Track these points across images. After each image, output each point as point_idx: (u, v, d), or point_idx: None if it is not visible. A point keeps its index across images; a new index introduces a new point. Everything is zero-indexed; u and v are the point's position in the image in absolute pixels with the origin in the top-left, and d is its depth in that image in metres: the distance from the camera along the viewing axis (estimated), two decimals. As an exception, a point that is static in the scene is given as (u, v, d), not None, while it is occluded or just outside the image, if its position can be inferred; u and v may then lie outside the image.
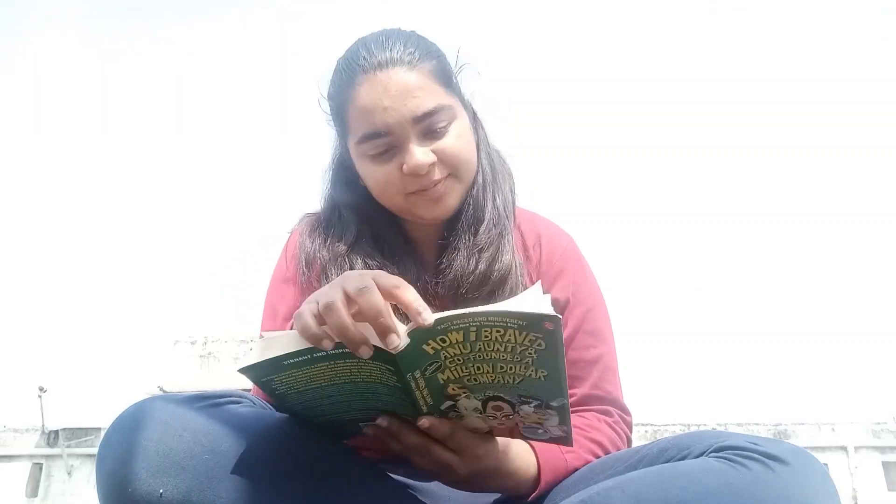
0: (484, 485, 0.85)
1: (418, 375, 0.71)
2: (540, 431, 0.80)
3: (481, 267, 0.99)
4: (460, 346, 0.69)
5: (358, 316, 0.69)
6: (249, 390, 0.92)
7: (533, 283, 0.97)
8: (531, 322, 0.66)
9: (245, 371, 0.71)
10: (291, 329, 0.72)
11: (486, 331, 0.68)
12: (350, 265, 1.00)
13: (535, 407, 0.75)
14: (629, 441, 1.01)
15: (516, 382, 0.72)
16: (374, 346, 0.68)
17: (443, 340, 0.69)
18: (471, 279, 0.98)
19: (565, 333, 1.01)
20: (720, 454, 0.69)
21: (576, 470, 0.89)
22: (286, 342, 0.70)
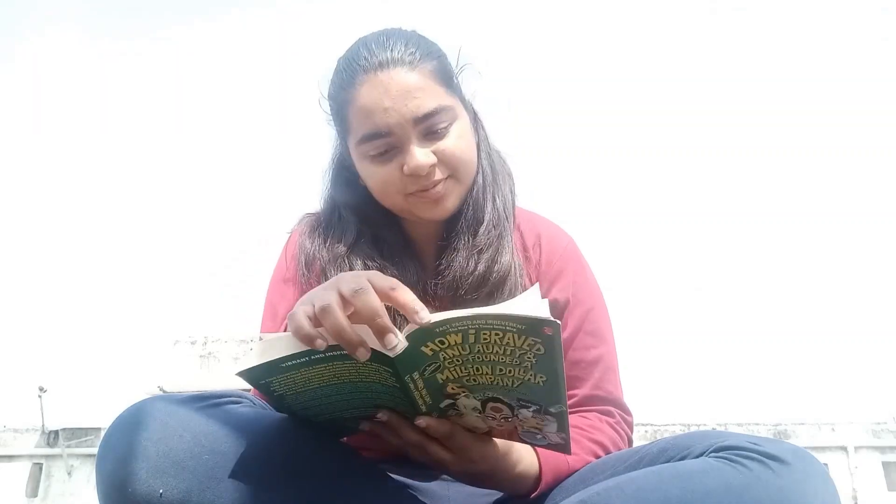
0: (483, 483, 0.86)
1: (416, 377, 0.71)
2: (539, 437, 0.80)
3: (480, 268, 0.99)
4: (459, 347, 0.69)
5: (354, 317, 0.69)
6: (249, 390, 0.92)
7: (532, 283, 0.97)
8: (530, 326, 0.66)
9: (242, 374, 0.71)
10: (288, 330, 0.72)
11: (484, 333, 0.68)
12: (350, 266, 1.00)
13: (533, 412, 0.75)
14: (630, 441, 1.01)
15: (515, 386, 0.72)
16: (372, 348, 0.68)
17: (441, 342, 0.69)
18: (470, 280, 0.98)
19: (566, 334, 1.01)
20: (720, 454, 0.69)
21: (577, 471, 0.89)
22: (284, 345, 0.70)
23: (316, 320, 0.69)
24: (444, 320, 0.67)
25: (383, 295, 0.70)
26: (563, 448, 0.81)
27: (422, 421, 0.76)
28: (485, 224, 1.01)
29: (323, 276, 1.01)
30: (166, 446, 0.70)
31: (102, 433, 0.77)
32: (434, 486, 0.94)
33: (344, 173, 1.07)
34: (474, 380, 0.72)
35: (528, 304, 0.73)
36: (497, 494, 0.91)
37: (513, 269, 1.00)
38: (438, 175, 0.96)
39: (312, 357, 0.69)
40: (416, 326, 0.68)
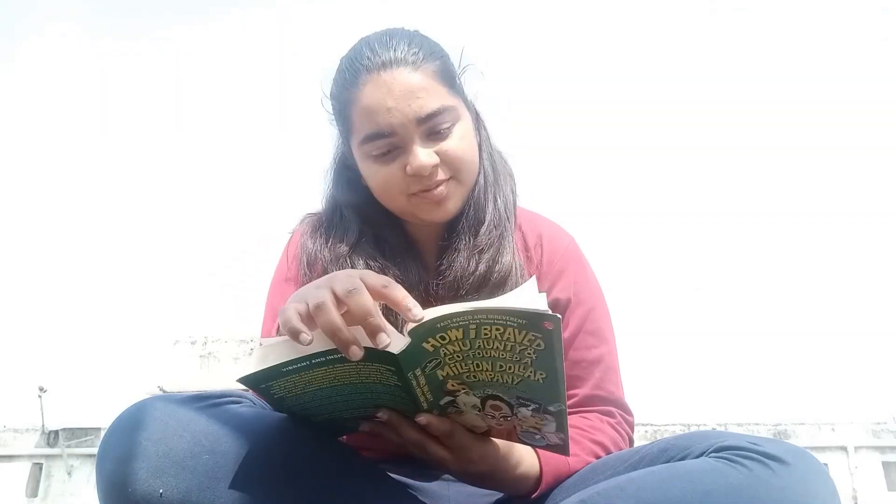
0: (483, 483, 0.86)
1: (419, 373, 0.71)
2: (538, 437, 0.80)
3: (481, 268, 0.98)
4: (459, 343, 0.69)
5: (347, 316, 0.69)
6: (249, 390, 0.92)
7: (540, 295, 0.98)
8: (531, 321, 0.66)
9: (242, 380, 0.71)
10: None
11: (485, 329, 0.68)
12: (352, 266, 1.00)
13: (532, 411, 0.75)
14: (631, 441, 1.01)
15: (515, 383, 0.72)
16: (375, 348, 0.68)
17: (442, 338, 0.69)
18: (471, 280, 0.98)
19: (566, 334, 1.01)
20: (720, 454, 0.69)
21: (577, 471, 0.89)
22: (283, 350, 0.70)
23: (309, 318, 0.69)
24: (446, 315, 0.67)
25: (376, 293, 0.71)
26: (562, 449, 0.81)
27: (422, 418, 0.76)
28: (486, 224, 1.01)
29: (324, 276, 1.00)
30: (166, 446, 0.70)
31: (102, 433, 0.77)
32: (434, 487, 0.94)
33: (346, 173, 1.07)
34: (474, 376, 0.72)
35: (526, 297, 0.73)
36: (497, 494, 0.91)
37: (514, 269, 1.00)
38: (441, 176, 0.96)
39: (313, 361, 0.69)
40: (416, 324, 0.68)
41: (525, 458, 0.85)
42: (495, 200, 1.03)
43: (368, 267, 0.99)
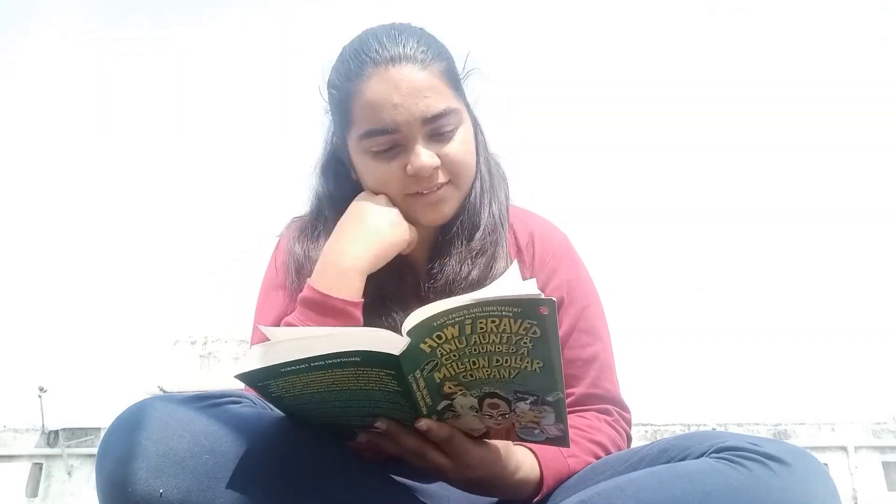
0: (483, 490, 0.85)
1: (419, 376, 0.71)
2: (537, 432, 0.80)
3: (474, 274, 0.98)
4: (455, 340, 0.69)
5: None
6: (247, 387, 0.92)
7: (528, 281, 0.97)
8: (526, 308, 0.66)
9: (241, 377, 0.71)
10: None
11: (481, 322, 0.68)
12: None
13: (531, 404, 0.75)
14: (629, 438, 1.01)
15: (512, 376, 0.72)
16: (376, 351, 0.68)
17: (439, 337, 0.69)
18: (462, 286, 0.97)
19: (561, 333, 1.00)
20: (721, 455, 0.69)
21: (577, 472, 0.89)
22: (283, 350, 0.70)
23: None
24: (441, 312, 0.67)
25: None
26: (562, 441, 0.81)
27: (422, 423, 0.76)
28: (481, 230, 1.01)
29: None
30: (166, 446, 0.70)
31: (102, 433, 0.77)
32: (434, 487, 0.94)
33: (335, 167, 1.05)
34: (471, 374, 0.72)
35: (512, 284, 0.73)
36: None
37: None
38: (440, 179, 0.95)
39: (312, 364, 0.69)
40: (414, 323, 0.68)
41: (525, 462, 0.85)
42: (490, 206, 1.03)
43: None
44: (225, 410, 0.77)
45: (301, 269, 1.02)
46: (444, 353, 0.70)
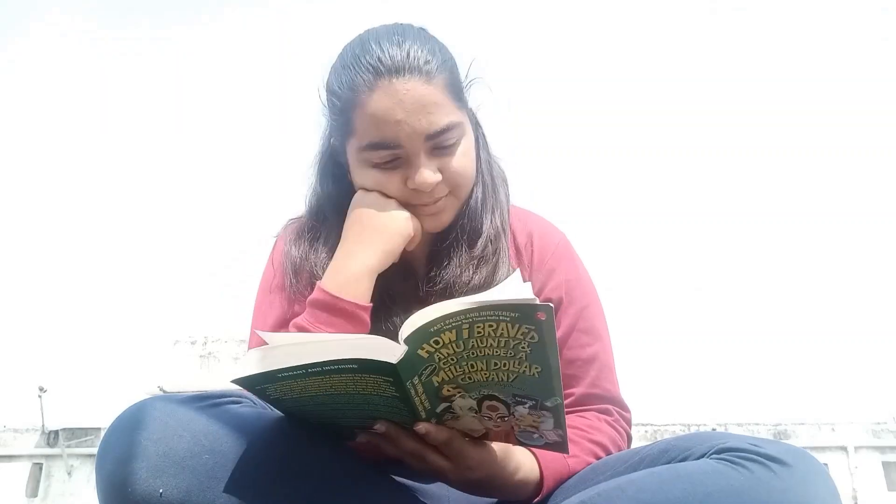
0: (483, 491, 0.85)
1: (416, 381, 0.71)
2: (535, 436, 0.80)
3: (476, 280, 0.98)
4: (453, 345, 0.69)
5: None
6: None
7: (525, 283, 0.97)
8: (523, 313, 0.66)
9: (238, 381, 0.71)
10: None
11: (478, 327, 0.67)
12: None
13: (529, 408, 0.75)
14: (629, 438, 1.01)
15: (510, 380, 0.72)
16: (373, 359, 0.68)
17: (436, 342, 0.68)
18: (463, 291, 0.97)
19: (560, 333, 1.01)
20: (721, 456, 0.69)
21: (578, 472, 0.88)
22: (280, 355, 0.70)
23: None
24: (438, 318, 0.67)
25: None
26: (561, 447, 0.80)
27: (421, 427, 0.75)
28: (483, 237, 1.00)
29: (310, 283, 0.99)
30: (166, 446, 0.70)
31: (102, 433, 0.77)
32: (434, 488, 0.94)
33: (333, 168, 1.04)
34: (469, 377, 0.72)
35: (512, 289, 0.73)
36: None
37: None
38: (440, 192, 0.95)
39: (310, 370, 0.69)
40: (412, 330, 0.68)
41: (524, 463, 0.85)
42: (492, 212, 1.02)
43: None
44: (225, 410, 0.77)
45: (299, 272, 1.02)
46: (442, 357, 0.70)
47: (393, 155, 0.93)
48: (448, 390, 0.73)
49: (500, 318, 0.67)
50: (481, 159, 1.04)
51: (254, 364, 0.70)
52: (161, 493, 0.69)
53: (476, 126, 1.05)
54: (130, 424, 0.72)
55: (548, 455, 0.86)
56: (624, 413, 1.02)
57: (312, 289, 0.95)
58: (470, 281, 0.98)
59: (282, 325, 1.01)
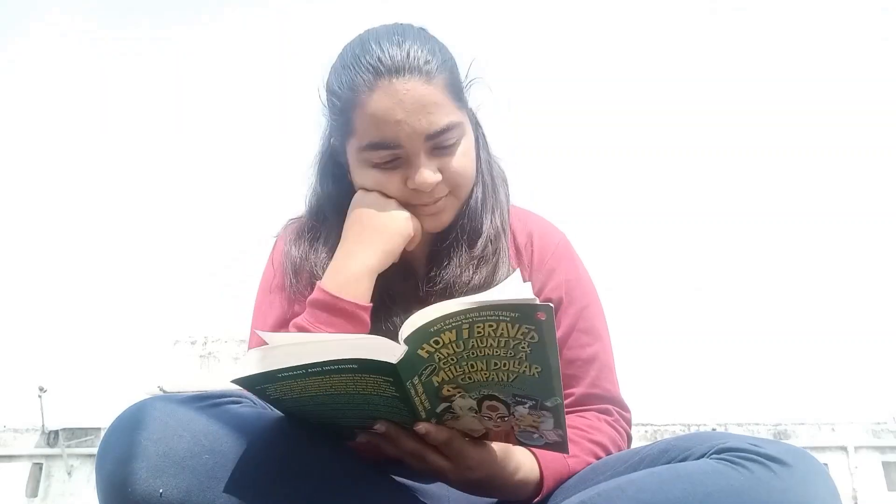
0: (483, 491, 0.85)
1: (416, 382, 0.71)
2: (535, 436, 0.80)
3: (476, 280, 0.98)
4: (453, 345, 0.69)
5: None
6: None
7: (525, 283, 0.97)
8: (524, 313, 0.66)
9: (238, 381, 0.71)
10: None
11: (478, 327, 0.67)
12: None
13: (529, 408, 0.75)
14: (630, 438, 1.01)
15: (510, 380, 0.72)
16: (373, 359, 0.68)
17: (436, 342, 0.68)
18: (463, 291, 0.97)
19: (560, 333, 1.01)
20: (721, 456, 0.69)
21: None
22: (280, 355, 0.70)
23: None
24: (438, 318, 0.67)
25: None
26: (561, 447, 0.80)
27: (421, 427, 0.75)
28: (483, 237, 1.00)
29: (310, 283, 0.99)
30: (166, 446, 0.70)
31: (102, 433, 0.77)
32: (434, 487, 0.94)
33: (333, 168, 1.04)
34: (469, 377, 0.72)
35: (512, 289, 0.73)
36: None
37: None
38: (440, 192, 0.95)
39: (309, 370, 0.69)
40: (411, 330, 0.68)
41: (524, 463, 0.85)
42: (492, 212, 1.02)
43: None
44: (225, 410, 0.77)
45: (299, 272, 1.02)
46: (442, 357, 0.70)
47: (393, 155, 0.93)
48: (448, 390, 0.73)
49: (500, 318, 0.67)
50: (481, 159, 1.04)
51: (254, 364, 0.70)
52: (161, 493, 0.69)
53: (476, 126, 1.05)
54: (130, 424, 0.72)
55: (548, 455, 0.86)
56: (624, 413, 1.02)
57: (312, 289, 0.95)
58: (470, 281, 0.98)
59: (282, 325, 1.01)
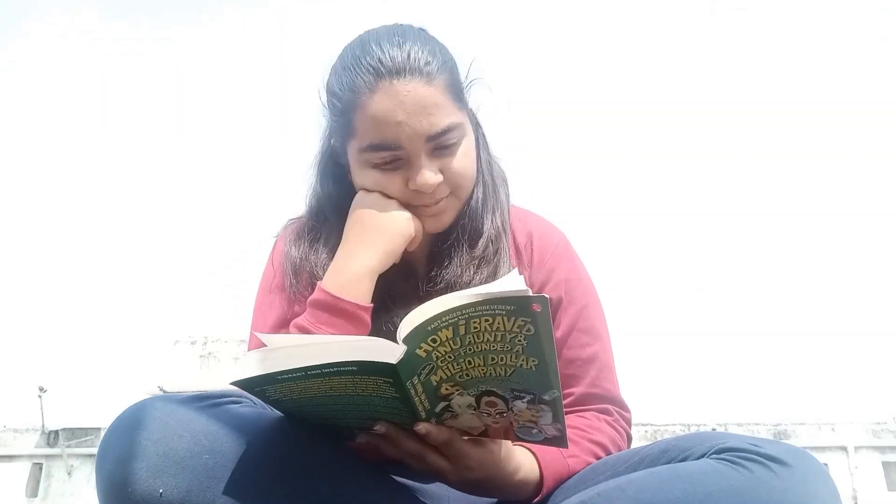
0: (483, 491, 0.85)
1: (416, 381, 0.71)
2: (535, 432, 0.80)
3: (477, 280, 0.98)
4: (450, 342, 0.69)
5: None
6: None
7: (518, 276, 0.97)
8: (519, 305, 0.66)
9: (237, 383, 0.71)
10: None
11: (475, 322, 0.68)
12: None
13: (528, 402, 0.75)
14: (629, 438, 1.01)
15: (508, 375, 0.72)
16: (373, 361, 0.68)
17: (434, 340, 0.69)
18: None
19: (560, 333, 1.01)
20: (721, 456, 0.69)
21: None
22: (280, 358, 0.70)
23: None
24: (434, 316, 0.67)
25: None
26: (560, 441, 0.80)
27: (421, 427, 0.75)
28: (484, 237, 1.00)
29: (310, 284, 0.99)
30: (166, 446, 0.70)
31: (102, 433, 0.77)
32: (434, 487, 0.94)
33: (333, 169, 1.04)
34: (467, 374, 0.72)
35: (506, 283, 0.73)
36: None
37: None
38: (441, 192, 0.95)
39: (309, 372, 0.69)
40: (409, 330, 0.68)
41: (524, 463, 0.85)
42: (493, 212, 1.02)
43: None
44: (225, 410, 0.77)
45: (299, 272, 1.02)
46: (440, 355, 0.70)
47: (394, 156, 0.93)
48: (447, 388, 0.73)
49: (496, 311, 0.67)
50: (482, 159, 1.04)
51: (253, 366, 0.70)
52: (161, 493, 0.69)
53: (476, 126, 1.05)
54: (130, 424, 0.72)
55: (548, 455, 0.86)
56: (624, 413, 1.02)
57: (312, 289, 0.95)
58: (471, 281, 0.98)
59: (282, 326, 1.01)
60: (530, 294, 0.66)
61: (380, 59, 0.91)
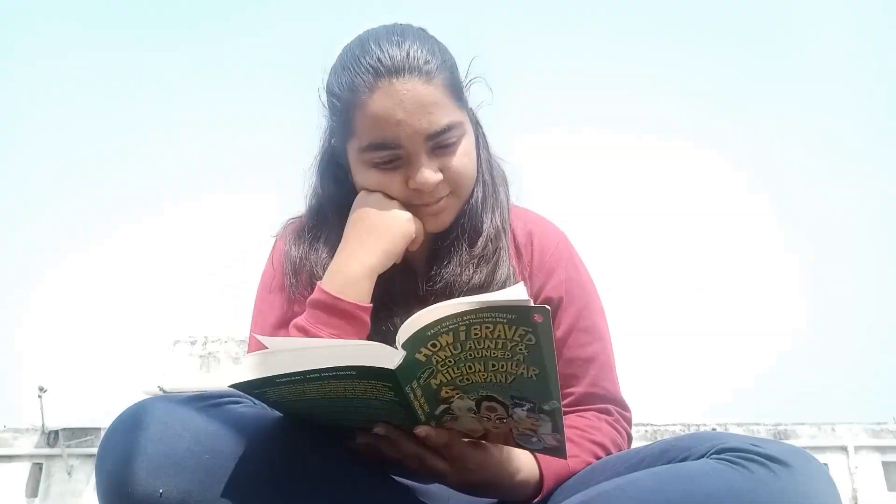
0: (483, 493, 0.85)
1: (415, 385, 0.71)
2: (534, 440, 0.79)
3: (476, 279, 0.98)
4: (451, 347, 0.69)
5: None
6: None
7: (525, 283, 0.97)
8: (520, 315, 0.66)
9: (236, 385, 0.71)
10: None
11: (475, 329, 0.67)
12: None
13: (528, 411, 0.75)
14: (630, 438, 1.01)
15: (508, 382, 0.72)
16: (371, 366, 0.68)
17: (434, 345, 0.68)
18: (463, 290, 0.97)
19: (560, 332, 1.01)
20: (722, 456, 0.69)
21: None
22: (279, 361, 0.69)
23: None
24: (435, 321, 0.67)
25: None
26: (559, 452, 0.80)
27: (421, 430, 0.75)
28: (483, 236, 1.00)
29: (310, 283, 0.99)
30: (166, 446, 0.70)
31: (102, 433, 0.77)
32: (434, 488, 0.94)
33: (333, 169, 1.04)
34: (467, 379, 0.72)
35: (508, 292, 0.73)
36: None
37: (509, 280, 0.99)
38: (441, 192, 0.95)
39: (307, 376, 0.69)
40: (409, 335, 0.68)
41: (525, 464, 0.85)
42: (493, 211, 1.02)
43: None
44: (225, 410, 0.77)
45: (299, 272, 1.01)
46: (440, 360, 0.70)
47: (394, 155, 0.93)
48: (447, 392, 0.73)
49: (497, 319, 0.67)
50: (481, 159, 1.04)
51: (252, 369, 0.70)
52: (161, 493, 0.69)
53: (476, 125, 1.05)
54: (130, 424, 0.72)
55: (548, 456, 0.86)
56: (624, 413, 1.02)
57: (312, 289, 0.95)
58: (470, 280, 0.98)
59: (281, 326, 1.01)
60: (532, 304, 0.66)
61: (379, 59, 0.91)
